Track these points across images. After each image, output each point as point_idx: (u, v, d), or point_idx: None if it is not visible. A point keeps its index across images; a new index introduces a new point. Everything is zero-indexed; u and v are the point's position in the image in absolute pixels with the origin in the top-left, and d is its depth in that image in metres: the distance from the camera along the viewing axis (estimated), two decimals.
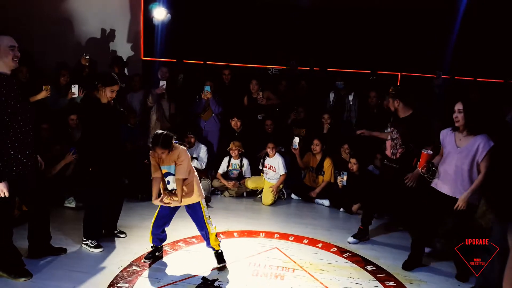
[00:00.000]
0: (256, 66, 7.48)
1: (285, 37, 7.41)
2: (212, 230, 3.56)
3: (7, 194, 2.96)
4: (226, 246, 4.08)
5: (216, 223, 4.60)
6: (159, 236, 3.71)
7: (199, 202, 3.54)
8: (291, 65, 7.01)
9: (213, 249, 3.63)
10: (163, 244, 3.86)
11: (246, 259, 3.84)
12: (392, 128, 4.15)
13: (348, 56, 7.47)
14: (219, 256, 3.64)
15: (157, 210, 3.60)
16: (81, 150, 4.10)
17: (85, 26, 7.34)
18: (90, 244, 3.81)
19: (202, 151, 5.87)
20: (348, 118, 6.46)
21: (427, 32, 6.96)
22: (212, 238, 3.56)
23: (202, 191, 3.66)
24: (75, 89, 5.06)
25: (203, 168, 5.81)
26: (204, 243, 3.70)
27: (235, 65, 7.24)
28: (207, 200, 5.32)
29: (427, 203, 3.71)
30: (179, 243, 4.08)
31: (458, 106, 3.42)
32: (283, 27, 7.37)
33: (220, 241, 3.68)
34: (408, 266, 3.83)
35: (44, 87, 4.57)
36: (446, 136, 3.60)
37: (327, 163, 5.75)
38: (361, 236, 4.41)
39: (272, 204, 5.55)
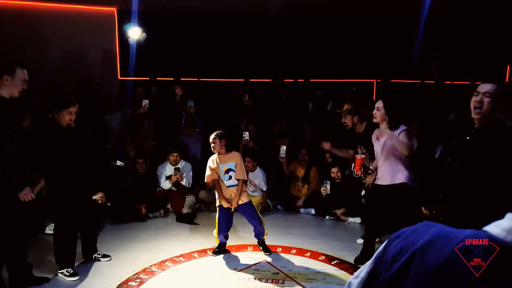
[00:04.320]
0: (234, 80, 7.50)
1: (261, 50, 7.48)
2: (263, 220, 4.20)
3: (33, 197, 3.21)
4: (215, 262, 4.06)
5: (203, 239, 4.62)
6: (224, 237, 4.23)
7: (250, 202, 4.19)
8: (278, 77, 7.06)
9: (262, 238, 4.25)
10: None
11: (236, 273, 3.80)
12: (359, 146, 4.28)
13: (325, 65, 7.58)
14: (265, 244, 4.27)
15: (217, 216, 4.11)
16: (46, 179, 3.93)
17: (58, 48, 7.25)
18: (66, 273, 3.67)
19: (187, 169, 5.83)
20: (328, 126, 6.53)
21: (395, 39, 7.15)
22: (265, 231, 4.22)
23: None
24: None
25: (189, 186, 5.77)
26: (192, 261, 3.66)
27: (211, 80, 7.28)
28: (192, 217, 5.28)
29: (371, 198, 4.01)
30: (166, 263, 4.01)
31: (378, 104, 3.66)
32: (259, 40, 7.44)
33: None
34: (360, 259, 3.99)
35: None
36: (373, 135, 3.85)
37: (313, 172, 5.81)
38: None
39: None
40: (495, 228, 0.64)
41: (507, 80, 7.46)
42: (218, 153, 4.10)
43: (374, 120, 3.72)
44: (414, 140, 3.66)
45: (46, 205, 4.77)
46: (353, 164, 4.01)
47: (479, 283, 0.60)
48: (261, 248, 4.27)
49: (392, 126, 3.63)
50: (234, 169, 4.09)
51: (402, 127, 3.60)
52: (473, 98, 2.49)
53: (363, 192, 5.29)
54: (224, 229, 4.15)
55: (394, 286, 0.71)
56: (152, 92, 6.67)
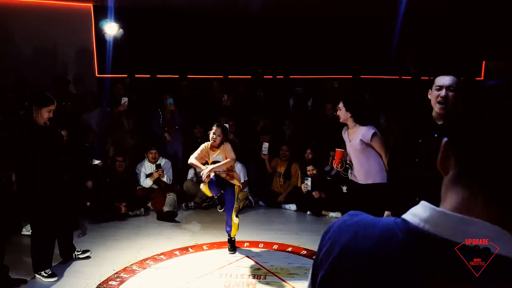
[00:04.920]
0: (212, 77, 7.44)
1: (240, 47, 7.45)
2: (235, 220, 4.10)
3: None
4: (196, 259, 4.05)
5: (185, 237, 4.60)
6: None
7: (235, 187, 4.07)
8: (257, 73, 7.07)
9: (229, 235, 4.18)
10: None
11: (217, 270, 3.80)
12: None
13: (305, 62, 7.62)
14: (232, 243, 4.19)
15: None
16: (18, 177, 3.81)
17: (32, 45, 7.05)
18: (44, 274, 3.59)
19: (167, 166, 5.79)
20: (309, 122, 6.59)
21: (374, 37, 7.24)
22: (234, 227, 4.11)
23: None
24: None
25: (170, 183, 5.74)
26: (173, 259, 3.71)
27: (190, 77, 7.22)
28: (173, 215, 5.25)
29: (348, 194, 4.06)
30: (147, 261, 3.98)
31: (339, 105, 3.73)
32: (238, 37, 7.42)
33: (237, 231, 4.20)
34: None
35: None
36: (344, 134, 3.90)
37: (294, 168, 5.85)
38: None
39: (239, 213, 5.52)
40: (412, 217, 0.64)
41: (482, 76, 7.63)
42: (212, 144, 4.03)
43: (340, 120, 3.77)
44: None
45: (22, 206, 4.68)
46: (332, 158, 4.06)
47: (401, 271, 0.60)
48: (229, 245, 4.20)
49: (357, 122, 3.69)
50: (221, 161, 4.03)
51: (371, 130, 3.64)
52: (436, 93, 2.41)
53: (344, 188, 5.37)
54: (215, 190, 4.02)
55: (329, 285, 0.69)
56: (125, 82, 6.59)
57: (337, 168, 3.98)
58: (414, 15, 6.51)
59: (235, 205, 4.13)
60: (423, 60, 6.01)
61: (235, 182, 4.08)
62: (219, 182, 3.98)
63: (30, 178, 3.51)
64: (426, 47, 6.71)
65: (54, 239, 3.80)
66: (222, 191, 4.08)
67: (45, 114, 3.47)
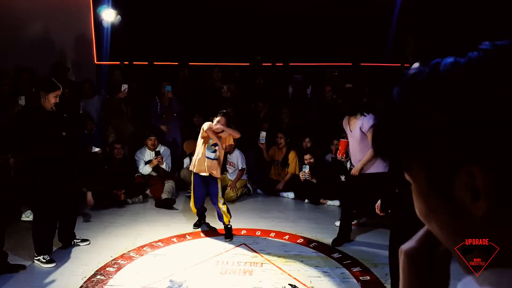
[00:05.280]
0: (212, 64, 7.38)
1: (238, 33, 7.37)
2: (222, 208, 4.16)
3: None
4: (194, 247, 4.08)
5: (182, 224, 4.63)
6: (201, 211, 4.41)
7: (217, 179, 4.18)
8: (256, 61, 7.01)
9: (223, 223, 4.21)
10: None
11: (214, 258, 3.83)
12: None
13: (305, 49, 7.54)
14: (227, 231, 4.21)
15: (192, 184, 4.31)
16: (22, 163, 3.87)
17: (30, 31, 6.97)
18: (42, 260, 3.64)
19: (166, 154, 5.80)
20: (307, 110, 6.56)
21: (374, 25, 7.15)
22: (224, 214, 4.17)
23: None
24: (22, 101, 4.84)
25: (169, 170, 5.76)
26: (171, 246, 3.77)
27: (192, 64, 7.16)
28: (172, 202, 5.27)
29: (349, 183, 4.13)
30: (144, 248, 4.01)
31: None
32: (237, 23, 7.34)
33: (231, 217, 4.22)
34: (337, 242, 4.07)
35: None
36: (344, 124, 3.91)
37: (292, 156, 5.83)
38: None
39: (237, 201, 5.56)
40: None
41: None
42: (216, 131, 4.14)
43: (342, 109, 3.81)
44: None
45: (24, 193, 4.70)
46: (336, 147, 4.07)
47: None
48: (225, 232, 4.26)
49: (351, 113, 3.71)
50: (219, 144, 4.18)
51: (371, 121, 3.61)
52: None
53: (343, 177, 5.37)
54: (200, 198, 4.28)
55: None
56: (120, 67, 6.56)
57: (342, 158, 3.98)
58: (413, 2, 6.45)
59: (220, 195, 4.22)
60: (422, 49, 5.95)
61: (217, 174, 4.18)
62: (204, 183, 4.22)
63: (33, 162, 3.55)
64: (425, 35, 6.63)
65: (55, 226, 3.84)
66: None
67: (52, 99, 3.53)
